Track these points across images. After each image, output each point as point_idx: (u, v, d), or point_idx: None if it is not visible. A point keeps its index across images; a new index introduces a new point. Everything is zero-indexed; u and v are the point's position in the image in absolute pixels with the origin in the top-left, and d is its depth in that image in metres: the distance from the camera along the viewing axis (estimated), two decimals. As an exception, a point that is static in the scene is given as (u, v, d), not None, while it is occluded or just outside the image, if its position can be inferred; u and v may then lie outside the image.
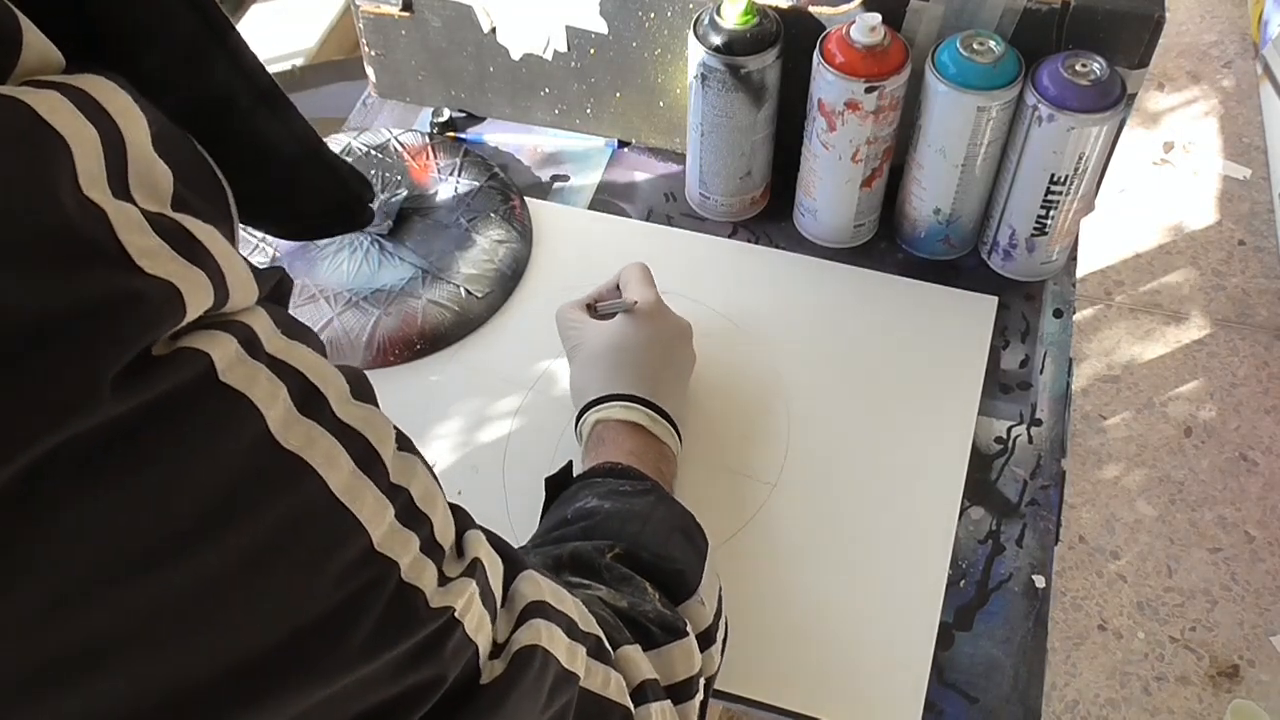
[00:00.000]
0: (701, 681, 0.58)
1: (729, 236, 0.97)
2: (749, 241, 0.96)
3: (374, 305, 0.89)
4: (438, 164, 0.99)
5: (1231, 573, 1.63)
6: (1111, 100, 0.80)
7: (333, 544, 0.35)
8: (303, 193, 0.45)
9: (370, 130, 1.02)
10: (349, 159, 0.99)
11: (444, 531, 0.41)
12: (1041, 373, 0.87)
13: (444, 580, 0.40)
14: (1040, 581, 0.76)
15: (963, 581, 0.76)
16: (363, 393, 0.38)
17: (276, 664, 0.33)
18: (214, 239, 0.33)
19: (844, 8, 0.86)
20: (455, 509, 0.45)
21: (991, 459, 0.82)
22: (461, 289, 0.90)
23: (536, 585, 0.47)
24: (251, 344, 0.33)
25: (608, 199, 1.00)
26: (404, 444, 0.40)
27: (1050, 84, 0.80)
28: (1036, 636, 0.73)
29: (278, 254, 0.92)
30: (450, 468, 0.81)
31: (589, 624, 0.50)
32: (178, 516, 0.30)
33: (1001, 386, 0.86)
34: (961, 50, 0.80)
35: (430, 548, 0.40)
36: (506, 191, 0.98)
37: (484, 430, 0.83)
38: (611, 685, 0.49)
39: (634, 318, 0.78)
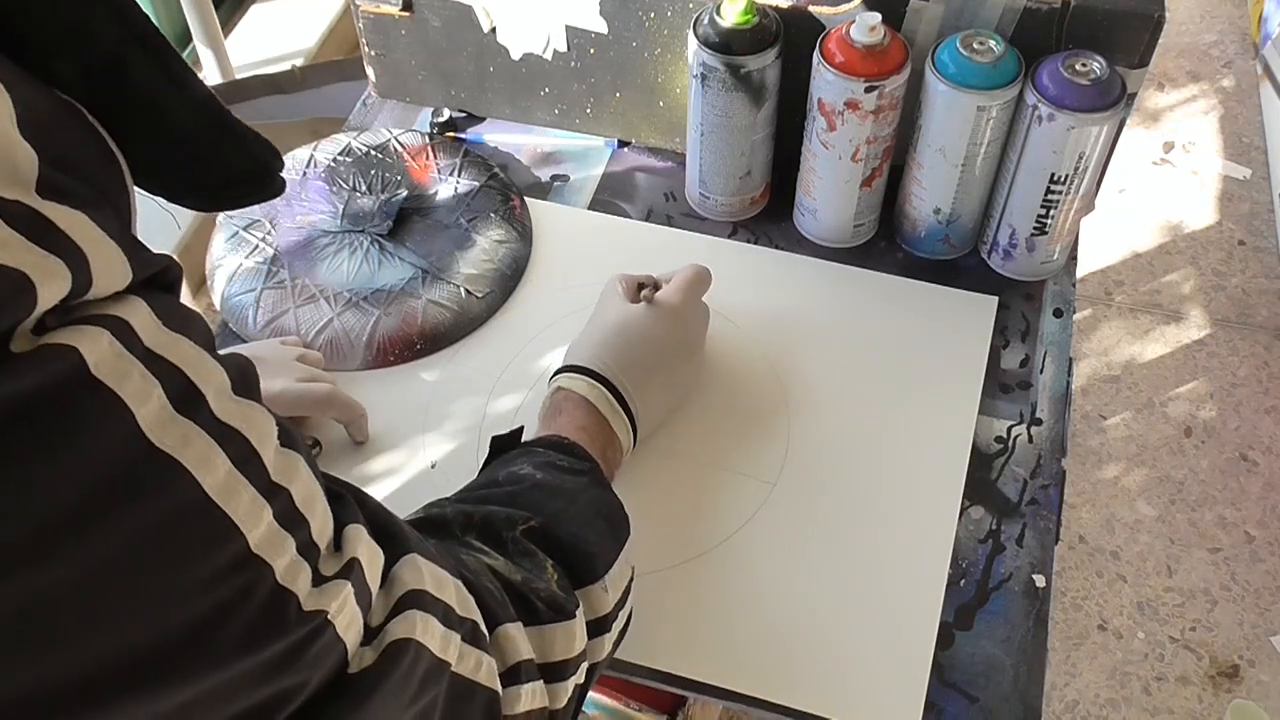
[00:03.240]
0: (584, 666, 0.58)
1: (729, 236, 0.97)
2: (749, 241, 0.96)
3: (374, 305, 0.89)
4: (438, 164, 0.99)
5: (1231, 573, 1.63)
6: (1111, 100, 0.80)
7: (205, 546, 0.34)
8: (207, 159, 0.44)
9: (370, 130, 1.02)
10: (348, 159, 0.99)
11: (322, 531, 0.41)
12: (1041, 372, 0.87)
13: (319, 581, 0.40)
14: (1040, 581, 0.76)
15: (963, 581, 0.76)
16: (246, 387, 0.37)
17: (143, 666, 0.32)
18: (79, 226, 0.32)
19: (844, 7, 0.86)
20: (336, 501, 0.44)
21: (991, 458, 0.82)
22: (461, 289, 0.90)
23: (417, 572, 0.47)
24: (127, 338, 0.32)
25: (608, 199, 1.00)
26: (287, 439, 0.39)
27: (1050, 83, 0.80)
28: (1036, 636, 0.73)
29: (278, 255, 0.92)
30: (450, 468, 0.81)
31: (467, 608, 0.50)
32: (41, 518, 0.29)
33: (1001, 386, 0.86)
34: (961, 50, 0.81)
35: (307, 549, 0.39)
36: (506, 191, 0.98)
37: (484, 430, 0.83)
38: (483, 670, 0.49)
39: (651, 309, 0.78)
